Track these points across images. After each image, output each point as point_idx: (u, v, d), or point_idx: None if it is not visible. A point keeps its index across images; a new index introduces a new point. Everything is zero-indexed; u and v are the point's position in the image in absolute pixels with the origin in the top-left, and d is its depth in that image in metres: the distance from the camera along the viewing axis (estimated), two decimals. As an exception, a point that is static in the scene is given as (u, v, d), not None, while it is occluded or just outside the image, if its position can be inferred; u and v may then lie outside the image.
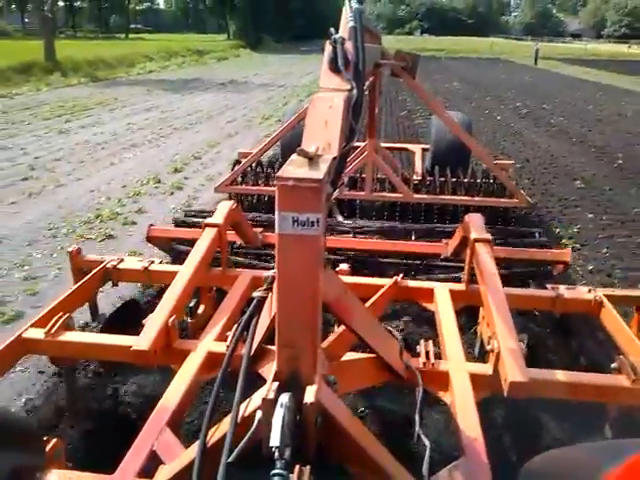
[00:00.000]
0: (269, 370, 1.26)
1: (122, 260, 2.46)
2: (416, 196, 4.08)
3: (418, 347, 1.81)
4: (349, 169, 3.99)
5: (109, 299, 3.01)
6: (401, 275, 2.34)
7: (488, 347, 1.77)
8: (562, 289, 2.24)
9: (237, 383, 1.29)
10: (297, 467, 1.07)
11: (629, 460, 0.89)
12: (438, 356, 1.80)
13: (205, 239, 2.29)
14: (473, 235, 2.23)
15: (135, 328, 1.86)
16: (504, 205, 4.05)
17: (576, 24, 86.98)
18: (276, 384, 1.17)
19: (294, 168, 1.09)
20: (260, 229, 2.93)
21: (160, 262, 2.54)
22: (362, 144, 4.21)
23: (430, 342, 1.83)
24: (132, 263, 2.47)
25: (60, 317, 1.90)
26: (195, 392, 1.74)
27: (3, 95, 12.53)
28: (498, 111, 12.17)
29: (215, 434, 1.30)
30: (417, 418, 1.45)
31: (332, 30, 1.62)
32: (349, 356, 1.73)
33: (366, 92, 3.71)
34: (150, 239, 3.03)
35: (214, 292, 2.53)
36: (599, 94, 15.70)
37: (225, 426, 1.26)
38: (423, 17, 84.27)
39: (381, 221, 3.77)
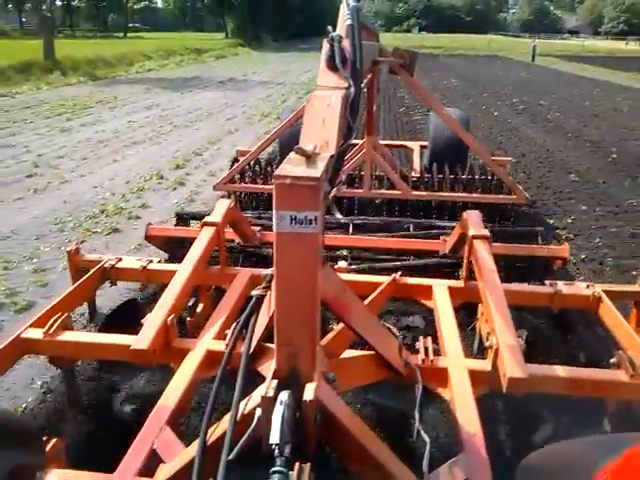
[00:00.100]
0: (268, 368, 1.27)
1: (120, 259, 2.46)
2: (414, 193, 4.08)
3: (417, 344, 1.81)
4: (347, 166, 3.99)
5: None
6: (399, 272, 2.34)
7: (487, 343, 1.78)
8: (560, 285, 2.24)
9: (236, 381, 1.29)
10: (297, 464, 1.08)
11: (626, 453, 0.89)
12: (437, 353, 1.80)
13: (203, 238, 2.29)
14: (471, 232, 2.23)
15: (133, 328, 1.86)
16: (502, 201, 4.05)
17: (573, 21, 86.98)
18: (275, 382, 1.17)
19: (292, 166, 1.09)
20: (258, 227, 2.93)
21: (159, 261, 2.54)
22: (360, 141, 4.21)
23: (429, 339, 1.83)
24: (130, 262, 2.46)
25: (59, 317, 1.90)
26: (194, 391, 1.75)
27: (4, 94, 12.58)
28: (495, 107, 12.21)
29: (215, 432, 1.30)
30: (417, 414, 1.45)
31: (330, 28, 1.62)
32: (348, 353, 1.74)
33: (364, 89, 3.71)
34: (148, 238, 3.03)
35: (212, 291, 2.53)
36: (596, 90, 15.74)
37: (225, 424, 1.27)
38: (421, 14, 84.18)
39: (379, 218, 3.77)
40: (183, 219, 3.47)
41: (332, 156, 1.23)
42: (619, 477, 0.88)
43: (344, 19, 1.74)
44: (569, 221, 4.89)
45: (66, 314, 1.95)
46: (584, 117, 10.95)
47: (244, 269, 2.47)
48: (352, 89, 1.45)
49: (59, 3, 52.10)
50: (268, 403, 1.14)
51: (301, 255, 1.10)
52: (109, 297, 2.95)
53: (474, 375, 1.69)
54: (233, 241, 2.84)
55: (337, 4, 2.04)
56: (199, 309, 2.40)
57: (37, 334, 1.86)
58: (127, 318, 2.30)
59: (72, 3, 56.62)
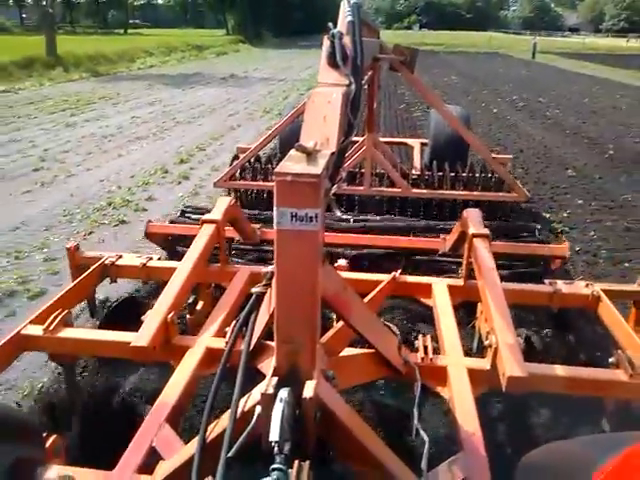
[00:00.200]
0: (268, 365, 1.27)
1: (120, 256, 2.46)
2: (414, 191, 4.08)
3: (416, 342, 1.81)
4: (348, 164, 3.99)
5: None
6: (399, 270, 2.34)
7: (486, 342, 1.78)
8: (560, 284, 2.24)
9: (236, 378, 1.29)
10: (296, 462, 1.08)
11: (624, 452, 0.89)
12: (436, 351, 1.81)
13: (203, 235, 2.29)
14: (471, 230, 2.23)
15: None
16: (502, 199, 4.05)
17: (574, 18, 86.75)
18: (275, 379, 1.17)
19: (292, 163, 1.08)
20: (258, 225, 2.92)
21: (158, 258, 2.54)
22: (361, 138, 4.20)
23: (428, 337, 1.83)
24: (130, 259, 2.46)
25: (59, 314, 1.90)
26: (194, 388, 1.75)
27: (7, 90, 12.64)
28: (495, 104, 12.24)
29: (215, 429, 1.30)
30: (416, 413, 1.45)
31: (330, 25, 1.61)
32: (348, 351, 1.74)
33: (365, 86, 3.71)
34: (148, 235, 3.03)
35: (212, 288, 2.53)
36: (595, 87, 15.75)
37: (224, 421, 1.27)
38: (422, 11, 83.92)
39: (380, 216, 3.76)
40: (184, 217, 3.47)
41: (333, 153, 1.23)
42: (618, 476, 0.88)
43: (345, 16, 1.73)
44: (565, 215, 4.99)
45: (66, 311, 1.95)
46: (583, 114, 11.00)
47: (244, 267, 2.47)
48: (353, 86, 1.45)
49: (59, -1, 51.95)
50: (268, 400, 1.14)
51: (301, 252, 1.10)
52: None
53: (473, 374, 1.69)
54: (233, 239, 2.84)
55: (337, 1, 2.03)
56: (199, 306, 2.40)
57: (37, 331, 1.86)
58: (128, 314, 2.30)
59: (72, -1, 56.50)
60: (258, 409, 1.17)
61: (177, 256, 2.85)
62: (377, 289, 2.18)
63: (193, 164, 6.66)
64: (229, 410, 1.25)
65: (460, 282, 2.32)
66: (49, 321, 1.87)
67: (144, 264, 2.40)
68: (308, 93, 1.42)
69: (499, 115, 10.80)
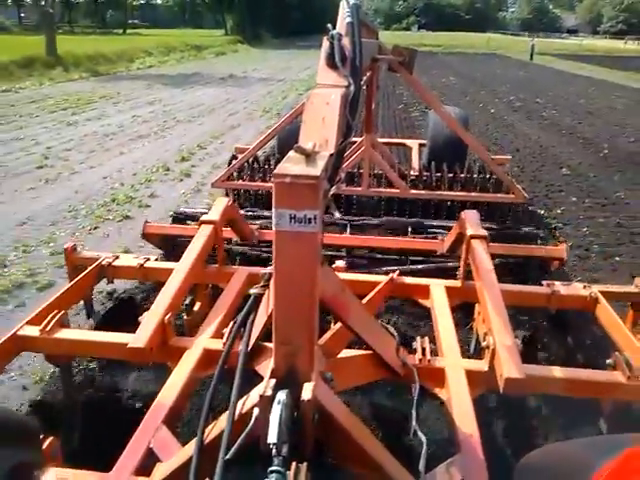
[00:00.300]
0: (266, 367, 1.26)
1: (117, 257, 2.45)
2: (413, 191, 4.07)
3: (414, 344, 1.81)
4: (346, 164, 3.98)
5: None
6: (397, 272, 2.34)
7: (484, 343, 1.78)
8: (558, 285, 2.25)
9: (234, 380, 1.28)
10: (294, 464, 1.08)
11: (623, 454, 0.89)
12: (434, 353, 1.80)
13: (201, 236, 2.28)
14: (469, 231, 2.23)
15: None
16: (500, 200, 4.05)
17: (572, 20, 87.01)
18: (273, 381, 1.17)
19: (291, 165, 1.08)
20: (256, 226, 2.92)
21: (156, 259, 2.53)
22: (359, 139, 4.20)
23: (426, 338, 1.83)
24: (127, 260, 2.45)
25: (55, 314, 1.89)
26: (192, 389, 1.74)
27: (8, 89, 12.69)
28: (492, 104, 12.34)
29: (212, 431, 1.29)
30: (414, 414, 1.45)
31: (329, 26, 1.61)
32: (346, 353, 1.73)
33: (363, 87, 3.70)
34: (146, 236, 3.02)
35: (210, 289, 2.53)
36: (592, 89, 15.85)
37: (222, 423, 1.26)
38: (420, 12, 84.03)
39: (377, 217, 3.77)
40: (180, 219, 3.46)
41: (332, 155, 1.22)
42: (617, 478, 0.88)
43: (344, 17, 1.73)
44: (559, 212, 5.11)
45: (63, 312, 1.94)
46: (579, 114, 11.12)
47: (241, 268, 2.47)
48: (352, 87, 1.45)
49: (58, -1, 51.81)
50: (266, 402, 1.13)
51: (300, 254, 1.10)
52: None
53: (471, 375, 1.69)
54: (231, 240, 2.83)
55: (336, 2, 2.03)
56: (196, 307, 2.40)
57: (34, 331, 1.85)
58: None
59: (71, -1, 56.36)
60: (256, 411, 1.16)
61: (174, 256, 2.84)
62: (375, 290, 2.18)
63: (194, 162, 6.75)
64: (227, 412, 1.25)
65: (458, 283, 2.32)
66: (46, 322, 1.86)
67: (141, 265, 2.39)
68: (307, 93, 1.42)
69: (496, 115, 10.90)
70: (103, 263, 2.38)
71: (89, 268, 2.34)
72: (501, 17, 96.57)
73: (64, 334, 1.86)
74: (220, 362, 1.42)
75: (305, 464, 1.09)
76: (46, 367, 2.46)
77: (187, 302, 2.34)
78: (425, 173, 4.29)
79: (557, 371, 1.69)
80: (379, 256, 2.97)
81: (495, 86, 15.88)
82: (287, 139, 4.36)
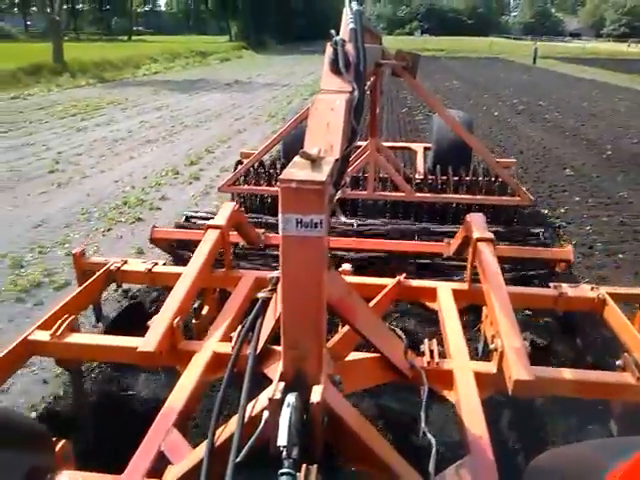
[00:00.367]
0: (275, 370, 1.27)
1: (126, 262, 2.47)
2: (418, 195, 4.08)
3: (422, 346, 1.81)
4: (351, 168, 4.00)
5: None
6: (404, 275, 2.35)
7: (492, 346, 1.78)
8: (565, 287, 2.24)
9: (243, 383, 1.29)
10: (304, 466, 1.08)
11: (636, 456, 0.89)
12: (442, 355, 1.80)
13: (208, 240, 2.30)
14: (475, 234, 2.24)
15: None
16: (506, 203, 4.05)
17: (575, 23, 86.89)
18: (282, 384, 1.18)
19: (297, 170, 1.09)
20: (262, 230, 2.93)
21: (164, 264, 2.55)
22: (364, 143, 4.21)
23: (434, 341, 1.83)
24: (136, 265, 2.47)
25: (65, 319, 1.91)
26: (201, 393, 1.75)
27: (16, 96, 12.85)
28: (495, 107, 12.36)
29: (222, 434, 1.30)
30: (423, 416, 1.45)
31: (333, 32, 1.62)
32: (354, 356, 1.74)
33: (367, 92, 3.72)
34: (153, 241, 3.04)
35: (217, 293, 2.54)
36: (595, 91, 15.82)
37: (232, 426, 1.27)
38: (423, 17, 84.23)
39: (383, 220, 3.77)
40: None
41: (337, 160, 1.23)
42: None
43: (347, 23, 1.74)
44: (562, 211, 5.15)
45: (73, 316, 1.96)
46: (582, 117, 11.13)
47: (249, 272, 2.48)
48: (356, 92, 1.46)
49: (64, 7, 52.28)
50: (275, 405, 1.14)
51: (307, 258, 1.11)
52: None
53: (479, 377, 1.69)
54: (237, 244, 2.85)
55: (340, 8, 2.05)
56: (204, 312, 2.41)
57: (44, 336, 1.87)
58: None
59: (76, 7, 56.92)
60: (266, 414, 1.17)
61: (182, 261, 2.86)
62: (382, 293, 2.18)
63: (203, 165, 6.86)
64: (237, 415, 1.26)
65: (465, 286, 2.32)
66: (56, 326, 1.88)
67: (149, 269, 2.41)
68: (311, 98, 1.43)
69: (500, 118, 10.93)
70: (111, 268, 2.41)
71: (98, 273, 2.37)
72: (504, 21, 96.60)
73: (74, 338, 1.88)
74: (229, 365, 1.43)
75: (315, 466, 1.10)
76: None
77: (195, 306, 2.36)
78: (430, 176, 4.30)
79: (566, 373, 1.69)
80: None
81: (498, 90, 15.88)
82: (292, 144, 4.38)
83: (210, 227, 2.38)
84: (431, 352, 1.77)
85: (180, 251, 3.15)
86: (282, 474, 1.05)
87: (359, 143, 4.09)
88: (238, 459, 1.14)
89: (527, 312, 2.81)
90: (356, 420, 1.30)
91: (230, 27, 51.22)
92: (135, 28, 60.17)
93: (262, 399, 1.26)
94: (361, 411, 1.70)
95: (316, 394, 1.15)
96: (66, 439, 1.42)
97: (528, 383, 1.53)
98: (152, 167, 6.66)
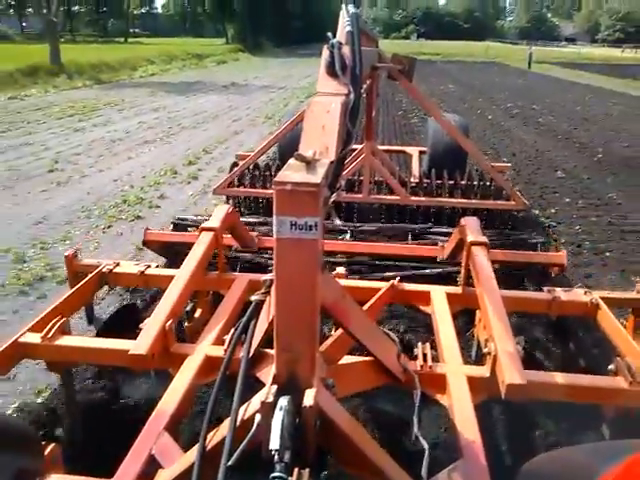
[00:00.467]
0: (267, 373, 1.26)
1: (118, 264, 2.45)
2: (413, 198, 4.09)
3: (415, 350, 1.81)
4: (347, 171, 4.00)
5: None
6: (398, 278, 2.35)
7: (485, 350, 1.78)
8: (558, 291, 2.25)
9: (235, 387, 1.29)
10: (296, 470, 1.07)
11: (627, 461, 0.89)
12: (435, 359, 1.80)
13: (202, 243, 2.29)
14: (469, 238, 2.24)
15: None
16: (501, 207, 4.06)
17: (571, 28, 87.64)
18: (275, 387, 1.17)
19: (292, 172, 1.09)
20: (256, 233, 2.93)
21: (157, 266, 2.53)
22: (359, 146, 4.21)
23: (427, 345, 1.83)
24: (128, 267, 2.46)
25: (57, 321, 1.89)
26: (193, 396, 1.74)
27: (14, 97, 12.88)
28: (490, 111, 12.49)
29: (214, 438, 1.29)
30: (415, 420, 1.45)
31: (329, 35, 1.63)
32: (347, 359, 1.73)
33: (363, 95, 3.73)
34: (146, 243, 3.03)
35: (211, 296, 2.53)
36: (589, 96, 15.97)
37: (224, 430, 1.26)
38: (419, 21, 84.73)
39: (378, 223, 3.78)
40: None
41: (332, 162, 1.23)
42: (619, 484, 0.88)
43: (344, 26, 1.75)
44: (553, 211, 5.28)
45: (64, 319, 1.94)
46: (575, 120, 11.27)
47: (242, 274, 2.47)
48: (352, 95, 1.46)
49: (61, 8, 52.09)
50: (268, 409, 1.13)
51: (301, 261, 1.10)
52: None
53: (472, 381, 1.69)
54: (231, 247, 2.84)
55: (336, 11, 2.05)
56: (197, 314, 2.40)
57: (35, 338, 1.85)
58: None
59: (73, 8, 56.75)
60: (258, 417, 1.17)
61: (175, 264, 2.84)
62: (376, 297, 2.18)
63: (201, 165, 6.92)
64: (229, 418, 1.25)
65: (459, 290, 2.32)
66: (47, 329, 1.86)
67: (142, 272, 2.40)
68: (308, 100, 1.43)
69: (494, 121, 11.05)
70: (104, 270, 2.39)
71: (90, 275, 2.35)
72: (499, 26, 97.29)
73: (65, 341, 1.87)
74: (222, 369, 1.43)
75: (307, 470, 1.09)
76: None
77: (188, 309, 2.34)
78: (425, 180, 4.30)
79: (559, 377, 1.69)
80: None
81: (493, 93, 16.00)
82: (288, 146, 4.38)
83: (204, 229, 2.37)
84: (424, 356, 1.76)
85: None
86: (274, 478, 1.04)
87: (355, 146, 4.10)
88: (230, 463, 1.13)
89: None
90: (349, 424, 1.29)
91: (226, 30, 51.27)
92: (131, 30, 60.14)
93: (254, 402, 1.26)
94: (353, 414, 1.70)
95: (309, 398, 1.15)
96: (55, 442, 1.41)
97: (521, 387, 1.53)
98: (150, 167, 6.71)
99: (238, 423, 1.23)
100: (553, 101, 14.45)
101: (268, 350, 1.52)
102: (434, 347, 1.91)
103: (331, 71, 1.52)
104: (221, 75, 21.21)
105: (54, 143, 7.97)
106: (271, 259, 2.59)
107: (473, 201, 4.06)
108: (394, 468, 1.31)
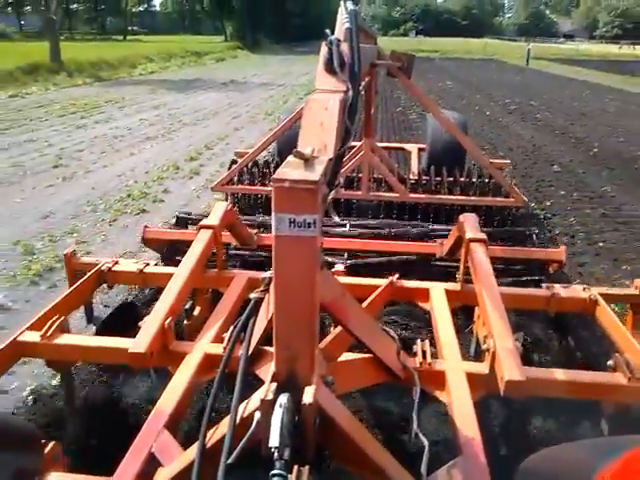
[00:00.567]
0: (267, 371, 1.26)
1: (117, 262, 2.45)
2: (412, 195, 4.09)
3: (415, 347, 1.81)
4: (345, 169, 4.00)
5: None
6: (397, 275, 2.35)
7: (484, 346, 1.78)
8: (557, 288, 2.25)
9: (235, 384, 1.28)
10: (296, 467, 1.08)
11: (625, 457, 0.89)
12: (435, 356, 1.80)
13: (200, 241, 2.29)
14: (468, 235, 2.24)
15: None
16: (500, 204, 4.06)
17: (569, 25, 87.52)
18: (274, 385, 1.17)
19: (290, 170, 1.09)
20: (255, 230, 2.92)
21: (155, 264, 2.53)
22: (358, 143, 4.21)
23: (427, 342, 1.83)
24: (127, 265, 2.46)
25: (56, 320, 1.89)
26: (193, 394, 1.74)
27: (15, 94, 12.92)
28: (488, 107, 12.55)
29: (214, 436, 1.29)
30: (415, 417, 1.45)
31: (328, 32, 1.62)
32: (346, 356, 1.73)
33: (362, 92, 3.72)
34: (145, 241, 3.02)
35: (210, 294, 2.53)
36: (586, 92, 16.01)
37: (224, 427, 1.26)
38: (418, 18, 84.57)
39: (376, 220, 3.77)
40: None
41: (330, 159, 1.23)
42: (618, 480, 0.88)
43: (342, 23, 1.74)
44: (548, 204, 5.38)
45: (63, 317, 1.94)
46: (572, 116, 11.34)
47: (241, 272, 2.47)
48: (350, 92, 1.45)
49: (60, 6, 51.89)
50: (267, 406, 1.13)
51: (300, 258, 1.10)
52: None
53: (472, 378, 1.69)
54: (230, 244, 2.84)
55: (335, 8, 2.04)
56: (196, 312, 2.39)
57: (34, 337, 1.85)
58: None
59: (71, 6, 56.53)
60: (257, 415, 1.17)
61: (174, 262, 2.84)
62: (375, 294, 2.18)
63: (202, 161, 7.01)
64: (228, 416, 1.25)
65: (457, 286, 2.32)
66: (46, 327, 1.86)
67: (141, 270, 2.40)
68: (307, 98, 1.43)
69: (491, 117, 11.12)
70: (103, 268, 2.39)
71: (89, 273, 2.35)
72: (498, 23, 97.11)
73: (64, 339, 1.86)
74: (221, 366, 1.42)
75: (307, 467, 1.09)
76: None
77: (187, 307, 2.34)
78: (424, 177, 4.30)
79: (558, 373, 1.69)
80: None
81: (491, 90, 16.01)
82: (286, 143, 4.37)
83: (203, 227, 2.36)
84: (423, 353, 1.77)
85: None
86: (273, 475, 1.04)
87: (353, 143, 4.09)
88: (229, 460, 1.13)
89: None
90: (348, 421, 1.29)
91: (225, 27, 51.13)
92: (130, 28, 59.92)
93: (254, 400, 1.26)
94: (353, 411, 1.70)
95: (308, 395, 1.15)
96: (56, 441, 1.41)
97: (520, 384, 1.53)
98: (153, 162, 6.80)
99: (238, 421, 1.23)
100: (551, 97, 14.49)
101: (267, 348, 1.52)
102: (433, 344, 1.91)
103: (329, 68, 1.52)
104: (220, 72, 21.19)
105: (57, 140, 8.04)
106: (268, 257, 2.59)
107: (472, 198, 4.06)
108: (394, 465, 1.31)
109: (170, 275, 2.10)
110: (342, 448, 1.28)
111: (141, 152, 7.44)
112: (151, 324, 1.79)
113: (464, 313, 2.53)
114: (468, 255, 2.21)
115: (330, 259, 2.79)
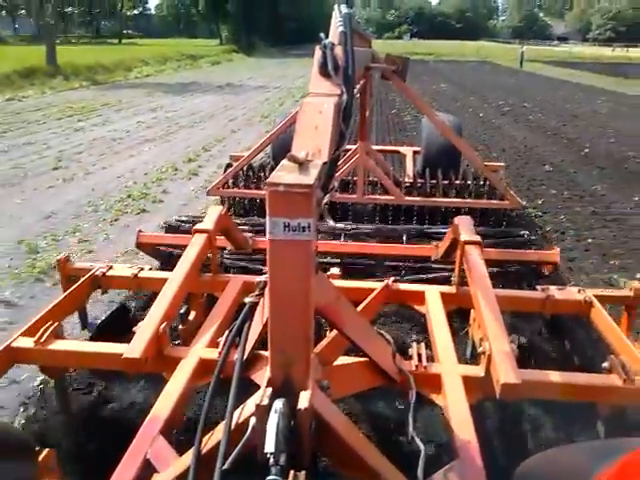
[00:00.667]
0: (262, 376, 1.26)
1: (111, 267, 2.44)
2: (407, 198, 4.09)
3: (410, 350, 1.81)
4: (340, 172, 4.00)
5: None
6: (392, 278, 2.35)
7: (480, 349, 1.78)
8: (552, 290, 2.26)
9: (230, 389, 1.28)
10: (292, 473, 1.07)
11: (622, 460, 0.89)
12: (430, 359, 1.80)
13: (195, 245, 2.28)
14: (463, 237, 2.24)
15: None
16: (495, 207, 4.08)
17: (562, 27, 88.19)
18: (270, 390, 1.16)
19: (284, 174, 1.08)
20: (250, 234, 2.92)
21: (150, 269, 2.52)
22: (353, 147, 4.21)
23: (422, 345, 1.83)
24: (121, 270, 2.44)
25: (49, 326, 1.88)
26: (188, 399, 1.73)
27: (12, 98, 12.90)
28: (481, 109, 12.65)
29: (209, 441, 1.29)
30: (410, 421, 1.45)
31: (322, 35, 1.62)
32: (342, 360, 1.73)
33: (357, 95, 3.73)
34: (139, 245, 3.01)
35: (204, 298, 2.52)
36: (579, 94, 16.15)
37: (219, 433, 1.25)
38: (412, 21, 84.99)
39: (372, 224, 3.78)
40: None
41: (325, 163, 1.23)
42: (614, 483, 0.88)
43: (336, 26, 1.74)
44: (539, 202, 5.47)
45: (57, 323, 1.93)
46: (564, 118, 11.45)
47: (236, 276, 2.46)
48: (345, 96, 1.45)
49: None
50: (263, 411, 1.13)
51: (294, 262, 1.10)
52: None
53: (467, 381, 1.69)
54: (225, 248, 2.83)
55: (330, 12, 2.05)
56: (191, 317, 2.38)
57: (28, 343, 1.83)
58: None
59: (66, 10, 56.41)
60: (253, 420, 1.16)
61: (169, 266, 2.83)
62: (370, 297, 2.18)
63: (200, 162, 7.06)
64: (224, 421, 1.24)
65: (453, 289, 2.32)
66: (40, 333, 1.84)
67: (135, 275, 2.38)
68: (301, 101, 1.42)
69: (485, 119, 11.22)
70: (97, 273, 2.37)
71: (83, 278, 2.33)
72: (492, 25, 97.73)
73: (58, 345, 1.85)
74: (216, 371, 1.42)
75: (303, 473, 1.09)
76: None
77: (182, 311, 2.33)
78: (420, 180, 4.31)
79: (553, 375, 1.70)
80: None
81: (485, 92, 16.12)
82: (281, 147, 4.37)
83: (197, 231, 2.36)
84: (419, 356, 1.76)
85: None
86: (269, 481, 1.04)
87: (348, 146, 4.09)
88: (225, 466, 1.12)
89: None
90: (344, 426, 1.29)
91: (220, 30, 51.17)
92: (125, 31, 59.82)
93: (249, 405, 1.25)
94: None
95: (304, 400, 1.14)
96: (50, 449, 1.39)
97: (515, 386, 1.53)
98: (152, 164, 6.85)
99: (233, 426, 1.22)
100: (544, 99, 14.61)
101: (263, 352, 1.52)
102: (429, 347, 1.91)
103: (324, 71, 1.52)
104: (216, 76, 21.22)
105: (56, 142, 8.07)
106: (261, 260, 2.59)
107: (467, 200, 4.07)
108: (390, 469, 1.30)
109: (165, 280, 2.09)
110: (338, 453, 1.28)
111: (140, 154, 7.49)
112: (146, 329, 1.78)
113: (460, 316, 2.53)
114: (463, 257, 2.21)
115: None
